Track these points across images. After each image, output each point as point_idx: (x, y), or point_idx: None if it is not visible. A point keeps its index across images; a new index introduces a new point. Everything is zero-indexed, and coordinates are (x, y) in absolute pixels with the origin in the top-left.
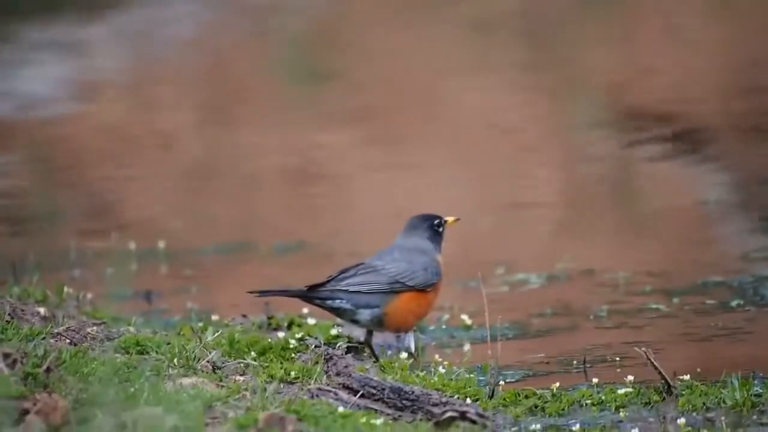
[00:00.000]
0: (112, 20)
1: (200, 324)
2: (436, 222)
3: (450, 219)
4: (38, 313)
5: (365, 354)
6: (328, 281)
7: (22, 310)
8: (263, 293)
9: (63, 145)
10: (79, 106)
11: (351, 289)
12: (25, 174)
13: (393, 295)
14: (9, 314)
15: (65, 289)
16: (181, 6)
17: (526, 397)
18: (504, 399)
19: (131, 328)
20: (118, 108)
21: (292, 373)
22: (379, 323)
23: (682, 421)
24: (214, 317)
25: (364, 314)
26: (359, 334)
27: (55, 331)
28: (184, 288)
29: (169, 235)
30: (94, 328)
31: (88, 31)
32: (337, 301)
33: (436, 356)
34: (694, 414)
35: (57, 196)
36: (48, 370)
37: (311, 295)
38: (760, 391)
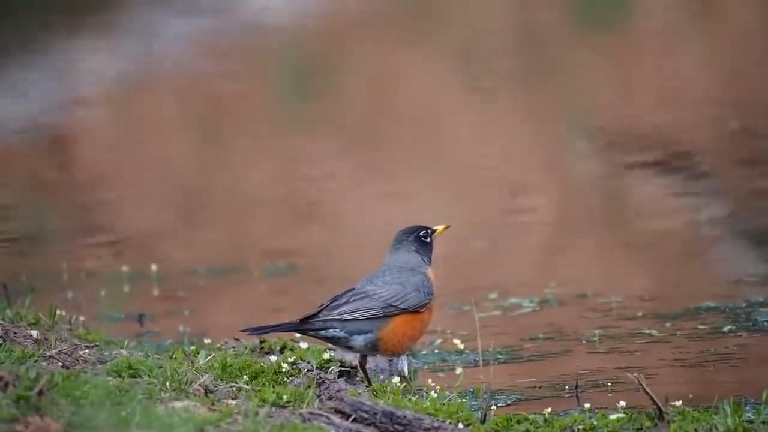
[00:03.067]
0: (105, 40)
1: (192, 347)
2: (422, 233)
3: (439, 228)
4: (30, 335)
5: (357, 378)
6: (320, 311)
7: (15, 333)
8: (256, 331)
9: (56, 166)
10: (71, 126)
11: (344, 317)
12: (17, 193)
13: (387, 320)
14: (1, 337)
15: (57, 311)
16: (175, 26)
17: (518, 422)
18: (496, 424)
19: (123, 351)
20: (111, 128)
21: (284, 397)
22: (373, 348)
23: None
24: (207, 340)
25: (358, 340)
26: (352, 358)
27: (48, 354)
28: (177, 311)
29: (161, 257)
30: (87, 351)
31: (80, 52)
32: (331, 330)
33: (429, 380)
34: None
35: (49, 217)
36: (40, 393)
37: (305, 327)
38: (752, 417)
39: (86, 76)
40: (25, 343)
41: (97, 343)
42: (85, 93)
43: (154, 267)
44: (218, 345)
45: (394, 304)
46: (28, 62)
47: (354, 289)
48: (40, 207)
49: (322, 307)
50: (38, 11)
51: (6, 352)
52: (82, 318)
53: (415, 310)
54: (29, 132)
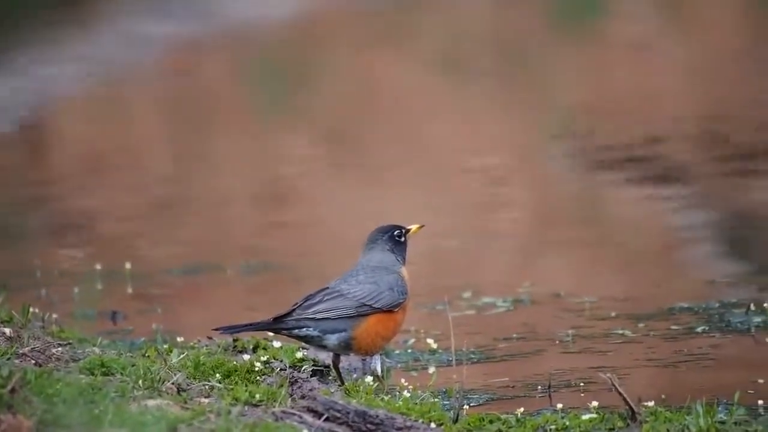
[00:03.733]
0: (81, 34)
1: (165, 346)
2: (396, 233)
3: (413, 227)
4: (3, 333)
5: (330, 377)
6: (293, 310)
7: None
8: (229, 330)
9: (29, 163)
10: (46, 121)
11: (318, 316)
12: None
13: (360, 319)
14: None
15: (30, 309)
16: (152, 24)
17: (491, 422)
18: (468, 424)
19: (96, 349)
20: (86, 126)
21: (257, 396)
22: (347, 347)
23: None
24: (180, 339)
25: (332, 339)
26: (325, 357)
27: (20, 351)
28: (150, 309)
29: (135, 255)
30: (60, 348)
31: (55, 46)
32: (304, 329)
33: (402, 380)
34: None
35: (22, 214)
36: (13, 390)
37: (278, 326)
38: (724, 417)
39: (62, 75)
40: None
41: (70, 341)
42: (61, 92)
43: (128, 265)
44: (191, 343)
45: (368, 303)
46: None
47: (327, 288)
48: (12, 204)
49: (295, 306)
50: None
51: None
52: (55, 316)
53: (388, 310)
54: (2, 128)
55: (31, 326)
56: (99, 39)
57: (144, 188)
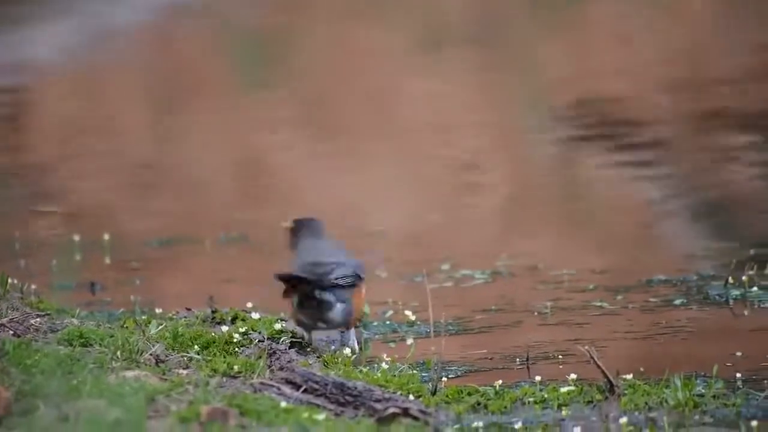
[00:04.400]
0: (60, 7)
1: (144, 317)
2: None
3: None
4: None
5: (309, 349)
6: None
7: None
8: (281, 277)
9: (8, 134)
10: (24, 92)
11: (340, 282)
12: None
13: (354, 289)
14: None
15: (9, 279)
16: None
17: (469, 394)
18: (447, 396)
19: (75, 320)
20: (66, 96)
21: (235, 368)
22: (346, 317)
23: (624, 420)
24: (158, 310)
25: (338, 308)
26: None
27: None
28: (129, 280)
29: (114, 227)
30: (38, 319)
31: (36, 18)
32: (327, 293)
33: (380, 352)
34: (637, 413)
35: (1, 184)
36: None
37: (319, 282)
38: (703, 391)
39: (41, 47)
40: None
41: (49, 312)
42: (39, 63)
43: (106, 236)
44: (169, 315)
45: (358, 273)
46: None
47: (326, 261)
48: None
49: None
50: None
51: None
52: (33, 286)
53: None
54: None
55: (10, 297)
56: (75, 11)
57: (123, 160)
